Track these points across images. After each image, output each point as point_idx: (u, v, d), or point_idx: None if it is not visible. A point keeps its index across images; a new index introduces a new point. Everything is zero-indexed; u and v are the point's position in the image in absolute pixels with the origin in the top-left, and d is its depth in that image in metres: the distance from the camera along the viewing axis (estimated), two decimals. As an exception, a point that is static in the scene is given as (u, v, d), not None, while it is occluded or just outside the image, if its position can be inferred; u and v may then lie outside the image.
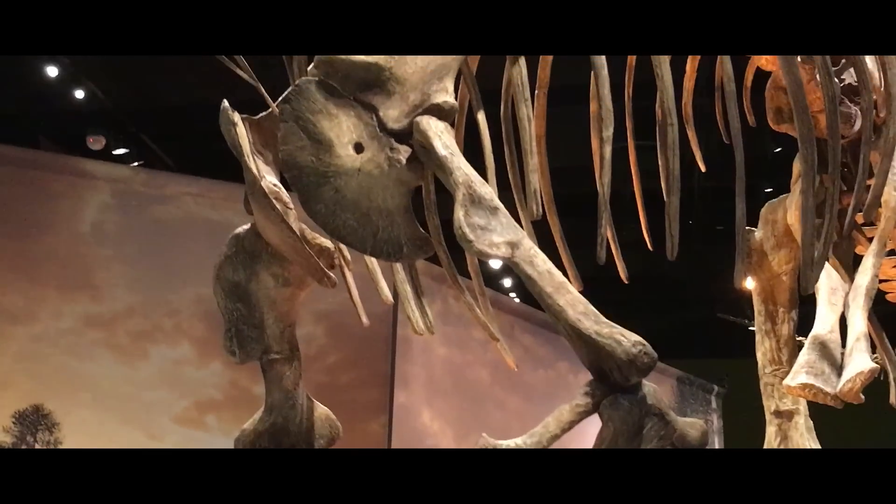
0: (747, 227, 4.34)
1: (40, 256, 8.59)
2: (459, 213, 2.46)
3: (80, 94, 10.51)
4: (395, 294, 3.34)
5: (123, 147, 11.38)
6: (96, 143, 10.97)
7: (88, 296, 8.70)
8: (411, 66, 2.61)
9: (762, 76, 4.20)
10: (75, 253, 8.73)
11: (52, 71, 10.13)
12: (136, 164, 11.28)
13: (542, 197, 3.18)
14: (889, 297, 4.89)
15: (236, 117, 2.88)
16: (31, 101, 10.85)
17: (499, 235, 2.47)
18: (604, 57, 2.91)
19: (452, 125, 2.66)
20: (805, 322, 4.28)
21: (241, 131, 2.87)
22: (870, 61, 4.00)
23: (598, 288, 3.65)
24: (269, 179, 2.96)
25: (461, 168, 2.52)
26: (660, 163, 3.46)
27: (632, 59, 3.94)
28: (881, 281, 4.36)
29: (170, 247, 8.96)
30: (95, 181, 8.96)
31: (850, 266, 4.16)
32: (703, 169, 4.37)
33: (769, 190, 9.69)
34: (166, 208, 9.07)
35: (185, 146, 12.01)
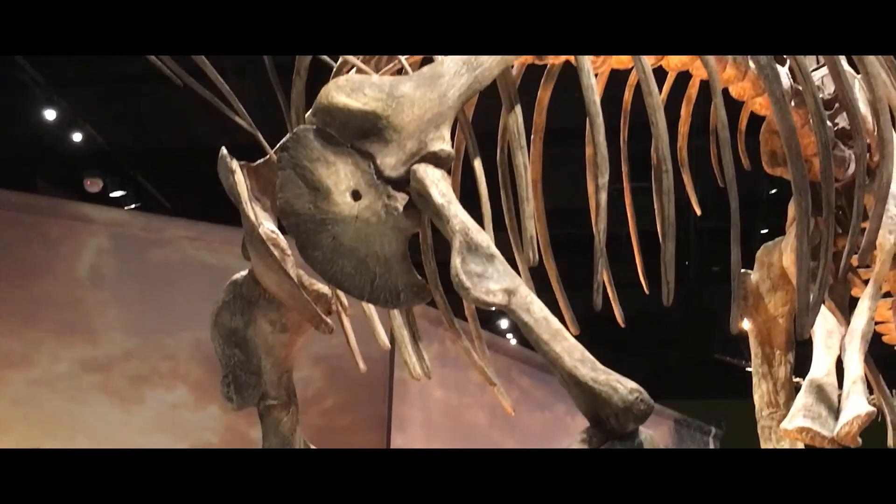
0: (743, 270, 4.35)
1: (37, 301, 8.56)
2: (456, 261, 2.48)
3: (77, 136, 10.57)
4: (392, 338, 3.35)
5: (121, 189, 11.44)
6: (93, 185, 11.02)
7: (85, 340, 8.66)
8: (408, 115, 2.63)
9: (757, 119, 4.22)
10: (72, 297, 8.70)
11: (49, 114, 10.18)
12: (132, 206, 11.32)
13: (538, 242, 3.19)
14: (885, 339, 4.89)
15: (234, 164, 2.91)
16: (28, 144, 10.90)
17: (495, 283, 2.48)
18: (599, 104, 2.93)
19: (449, 172, 2.67)
20: (802, 363, 4.29)
21: (240, 178, 2.89)
22: (862, 105, 4.03)
23: (594, 328, 3.66)
24: (267, 226, 2.98)
25: (458, 216, 2.54)
26: (656, 208, 3.48)
27: (627, 103, 3.96)
28: (877, 323, 4.37)
29: (167, 290, 8.93)
30: (93, 225, 8.94)
31: (845, 309, 4.17)
32: (698, 213, 4.39)
33: (765, 231, 9.71)
34: (164, 252, 9.05)
35: (183, 188, 12.05)
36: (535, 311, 2.49)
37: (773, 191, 10.08)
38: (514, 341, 12.57)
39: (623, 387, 2.43)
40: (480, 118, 3.35)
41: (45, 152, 11.11)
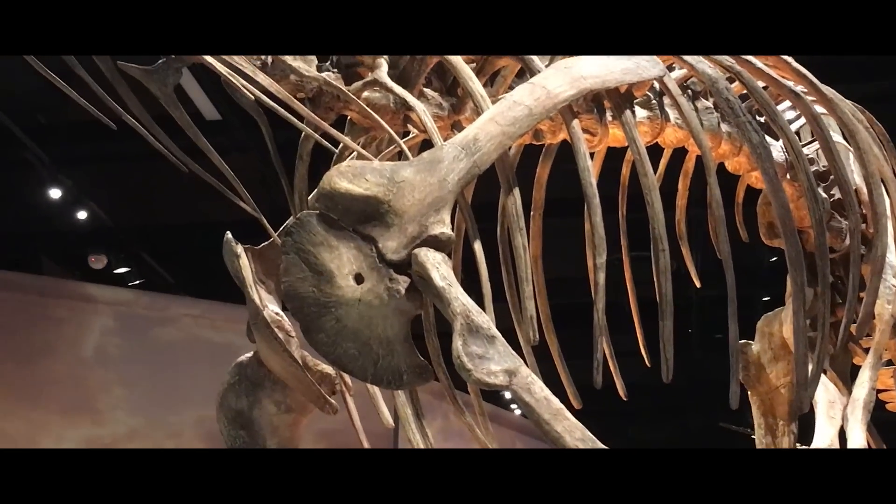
0: (744, 341, 4.38)
1: (43, 381, 8.56)
2: (458, 343, 2.51)
3: (82, 214, 10.63)
4: (396, 415, 3.37)
5: (125, 266, 11.49)
6: (98, 262, 11.07)
7: (90, 419, 8.64)
8: (409, 199, 2.67)
9: (754, 190, 4.26)
10: (78, 377, 8.70)
11: (54, 193, 10.26)
12: (136, 282, 11.37)
13: (539, 320, 3.22)
14: (889, 407, 4.89)
15: (239, 249, 2.96)
16: (33, 223, 10.97)
17: (496, 364, 2.51)
18: (595, 185, 2.98)
19: (450, 255, 2.72)
20: (806, 429, 4.28)
21: (244, 262, 2.94)
22: (857, 177, 4.08)
23: (597, 397, 3.67)
24: (272, 308, 3.02)
25: (458, 298, 2.58)
26: (655, 286, 3.51)
27: (625, 179, 4.01)
28: (880, 391, 4.37)
29: (171, 369, 8.94)
30: (98, 305, 8.98)
31: (847, 378, 4.17)
32: (698, 285, 4.42)
33: (766, 299, 9.72)
34: (168, 330, 9.08)
35: (186, 265, 12.11)
36: (536, 391, 2.52)
37: (774, 258, 10.08)
38: (517, 412, 12.53)
39: (623, 466, 2.45)
40: (482, 191, 3.40)
41: (49, 231, 11.19)
